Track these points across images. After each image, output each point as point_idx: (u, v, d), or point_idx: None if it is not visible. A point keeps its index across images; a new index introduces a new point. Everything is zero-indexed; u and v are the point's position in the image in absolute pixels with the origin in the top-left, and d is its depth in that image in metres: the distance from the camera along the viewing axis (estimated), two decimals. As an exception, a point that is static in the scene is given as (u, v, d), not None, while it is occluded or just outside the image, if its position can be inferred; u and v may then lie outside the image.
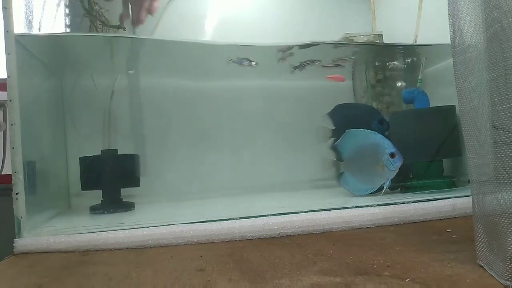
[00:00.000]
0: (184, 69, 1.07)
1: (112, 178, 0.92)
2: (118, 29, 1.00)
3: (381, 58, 1.14)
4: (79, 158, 0.92)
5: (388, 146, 0.84)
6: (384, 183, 0.84)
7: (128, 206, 0.92)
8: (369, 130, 0.88)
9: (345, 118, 0.98)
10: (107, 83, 1.03)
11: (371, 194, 0.86)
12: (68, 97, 1.03)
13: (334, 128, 0.98)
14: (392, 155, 0.83)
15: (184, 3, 1.13)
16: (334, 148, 0.93)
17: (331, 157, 0.95)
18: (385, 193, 0.84)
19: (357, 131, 0.88)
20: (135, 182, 0.95)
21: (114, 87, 1.02)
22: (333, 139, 0.95)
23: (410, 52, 1.08)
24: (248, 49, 0.94)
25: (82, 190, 0.91)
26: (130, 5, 0.96)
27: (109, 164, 0.93)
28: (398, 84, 1.18)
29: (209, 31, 1.17)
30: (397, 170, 0.83)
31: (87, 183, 0.91)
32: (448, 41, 0.45)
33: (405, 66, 1.15)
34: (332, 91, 1.20)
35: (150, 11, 0.98)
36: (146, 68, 1.07)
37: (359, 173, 0.88)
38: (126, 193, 0.95)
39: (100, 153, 0.93)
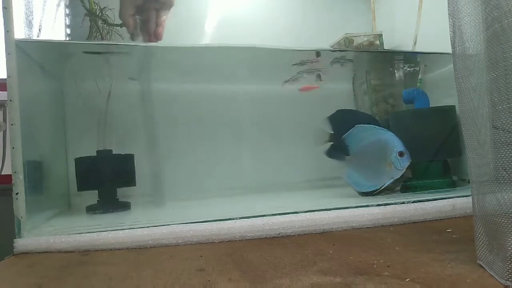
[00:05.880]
0: (184, 71, 1.07)
1: (107, 178, 0.92)
2: (121, 27, 1.00)
3: (381, 62, 1.14)
4: (74, 159, 0.92)
5: (397, 144, 0.82)
6: (385, 182, 0.82)
7: (124, 206, 0.92)
8: (379, 127, 0.86)
9: (344, 123, 0.97)
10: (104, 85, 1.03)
11: (373, 192, 0.85)
12: (68, 96, 1.03)
13: (332, 132, 0.97)
14: (400, 154, 0.81)
15: (183, 6, 1.13)
16: (329, 153, 0.92)
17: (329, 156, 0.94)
18: (386, 193, 0.84)
19: (366, 126, 0.86)
20: (131, 182, 0.95)
21: (111, 88, 1.02)
22: (329, 143, 0.94)
23: (410, 58, 1.08)
24: (247, 51, 0.94)
25: (78, 190, 0.91)
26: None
27: (104, 164, 0.93)
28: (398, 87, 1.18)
29: (207, 33, 1.17)
30: (404, 170, 0.82)
31: (83, 184, 0.91)
32: (447, 49, 0.45)
33: (405, 70, 1.15)
34: (332, 93, 1.21)
35: (156, 35, 0.96)
36: (146, 70, 1.07)
37: (364, 169, 0.86)
38: (126, 193, 0.95)
39: (95, 154, 0.94)
